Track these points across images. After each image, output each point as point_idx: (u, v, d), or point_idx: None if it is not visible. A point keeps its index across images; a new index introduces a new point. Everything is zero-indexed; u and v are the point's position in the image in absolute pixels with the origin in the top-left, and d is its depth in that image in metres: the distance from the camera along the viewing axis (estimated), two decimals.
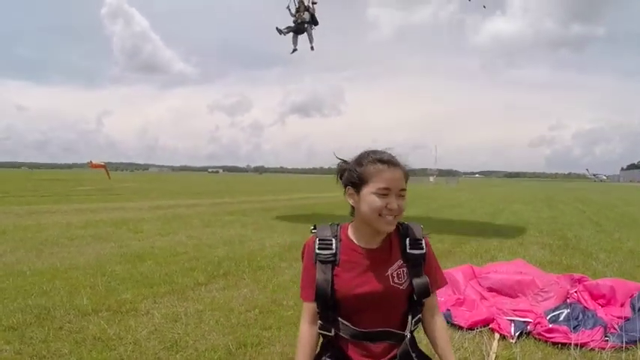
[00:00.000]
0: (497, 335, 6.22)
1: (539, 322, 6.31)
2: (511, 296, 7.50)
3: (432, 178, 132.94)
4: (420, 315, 2.66)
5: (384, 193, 2.42)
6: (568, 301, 7.10)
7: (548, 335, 6.04)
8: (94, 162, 75.29)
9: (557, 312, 6.59)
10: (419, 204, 33.03)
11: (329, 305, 2.55)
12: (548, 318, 6.42)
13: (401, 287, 2.53)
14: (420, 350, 2.72)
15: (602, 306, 6.93)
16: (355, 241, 2.61)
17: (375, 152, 2.56)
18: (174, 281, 8.59)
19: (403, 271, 2.56)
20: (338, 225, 2.71)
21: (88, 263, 10.12)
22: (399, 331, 2.57)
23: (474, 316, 6.61)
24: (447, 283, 2.93)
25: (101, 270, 9.39)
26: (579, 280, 7.77)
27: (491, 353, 5.64)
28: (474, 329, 6.38)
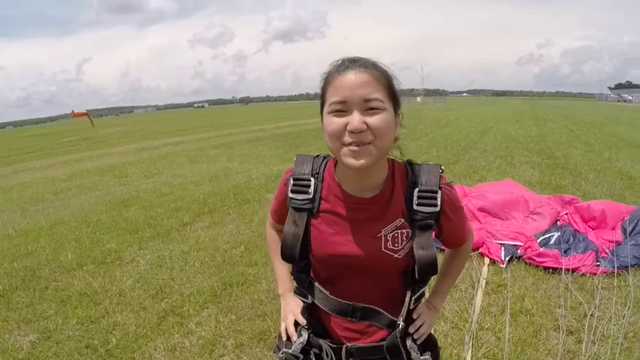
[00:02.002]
0: (487, 260, 6.18)
1: (529, 246, 6.25)
2: (501, 218, 7.46)
3: (419, 98, 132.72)
4: (421, 292, 1.93)
5: (339, 109, 1.62)
6: (558, 223, 7.04)
7: (538, 260, 5.99)
8: (76, 111, 74.68)
9: (548, 235, 6.53)
10: (406, 124, 32.83)
11: (301, 267, 1.92)
12: (538, 241, 6.36)
13: (395, 255, 1.78)
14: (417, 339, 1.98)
15: (592, 229, 6.84)
16: (342, 185, 1.84)
17: (338, 60, 1.73)
18: (159, 224, 8.52)
19: (402, 233, 1.79)
20: (325, 158, 1.96)
21: (73, 216, 10.03)
22: (388, 315, 1.88)
23: None
24: (466, 240, 2.05)
25: (86, 221, 9.31)
26: (570, 202, 7.70)
27: (481, 279, 5.60)
28: None
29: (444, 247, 2.16)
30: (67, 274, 6.57)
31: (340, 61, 1.69)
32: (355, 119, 1.57)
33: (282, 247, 1.86)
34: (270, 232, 2.29)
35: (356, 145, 1.59)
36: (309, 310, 2.01)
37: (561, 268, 5.73)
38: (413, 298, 1.87)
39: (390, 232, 1.77)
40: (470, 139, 21.63)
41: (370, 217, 1.79)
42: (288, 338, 2.04)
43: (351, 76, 1.61)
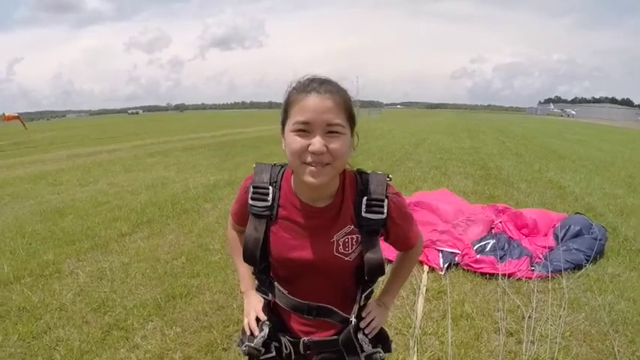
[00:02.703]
0: (426, 268, 6.35)
1: (466, 254, 6.51)
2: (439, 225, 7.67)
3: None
4: (370, 290, 2.13)
5: (302, 129, 1.74)
6: (493, 231, 7.33)
7: (476, 266, 6.25)
8: (6, 114, 72.86)
9: (484, 242, 6.81)
10: None
11: (261, 268, 2.08)
12: (475, 249, 6.63)
13: (346, 258, 1.95)
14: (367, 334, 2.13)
15: (526, 236, 7.16)
16: (297, 194, 1.98)
17: (303, 78, 1.86)
18: (97, 235, 8.37)
19: (352, 238, 1.96)
20: (282, 167, 2.07)
21: (7, 226, 9.74)
22: (341, 313, 2.05)
23: None
24: (416, 243, 2.24)
25: (20, 231, 9.05)
26: (503, 211, 8.07)
27: (421, 286, 5.76)
28: None
29: None
30: (4, 287, 6.38)
31: (308, 81, 1.80)
32: (317, 142, 1.71)
33: (243, 250, 2.02)
34: (231, 232, 2.39)
35: (315, 165, 1.73)
36: (270, 307, 2.17)
37: (498, 274, 5.98)
38: (363, 296, 2.07)
39: (342, 238, 1.94)
40: (405, 150, 22.00)
41: (323, 224, 1.95)
42: (251, 333, 2.17)
43: (317, 100, 1.73)
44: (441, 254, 6.51)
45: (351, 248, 1.96)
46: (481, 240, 6.93)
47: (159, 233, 8.35)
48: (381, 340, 2.22)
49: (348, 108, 1.82)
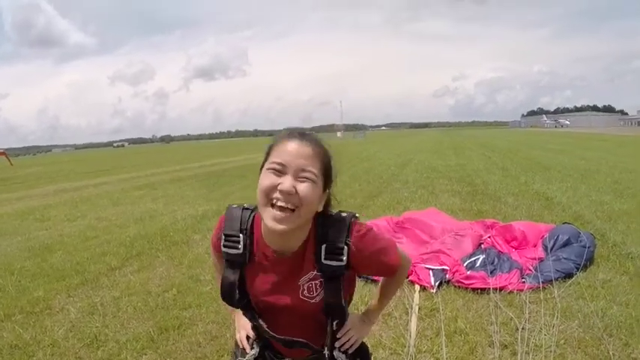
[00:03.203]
0: (417, 287, 6.37)
1: (457, 270, 6.53)
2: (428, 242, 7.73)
3: (339, 134, 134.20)
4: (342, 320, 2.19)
5: (277, 168, 1.82)
6: (482, 246, 7.37)
7: (467, 282, 6.28)
8: None
9: (474, 258, 6.87)
10: None
11: (243, 304, 2.16)
12: (465, 265, 6.66)
13: (312, 301, 2.02)
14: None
15: (515, 249, 7.22)
16: (267, 241, 2.02)
17: (291, 128, 2.01)
18: (86, 270, 8.33)
19: (316, 283, 2.02)
20: (252, 212, 2.08)
21: None
22: (314, 346, 2.15)
23: None
24: (397, 270, 2.18)
25: (9, 269, 9.01)
26: (491, 226, 8.12)
27: (414, 305, 5.76)
28: None
29: None
30: None
31: (291, 131, 1.95)
32: (287, 181, 1.80)
33: (221, 291, 2.11)
34: (214, 256, 2.39)
35: (281, 210, 1.80)
36: (256, 330, 2.25)
37: (489, 288, 5.99)
38: (334, 327, 2.14)
39: (306, 283, 2.01)
40: (391, 171, 22.16)
41: (290, 270, 2.02)
42: (243, 349, 2.31)
43: (296, 145, 1.86)
44: (431, 272, 6.53)
45: (316, 292, 2.02)
46: (471, 256, 6.97)
47: (149, 266, 8.31)
48: (361, 354, 2.32)
49: (324, 161, 1.94)
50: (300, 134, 1.92)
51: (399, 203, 12.90)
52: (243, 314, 2.26)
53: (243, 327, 2.38)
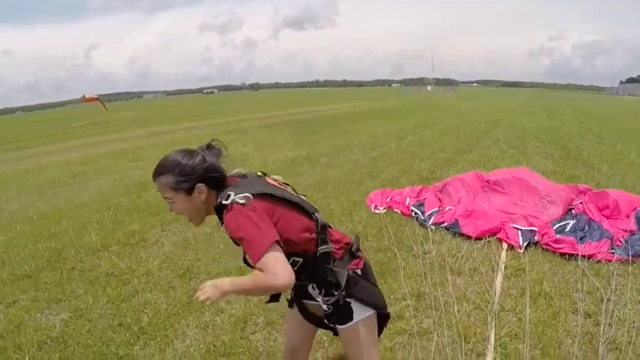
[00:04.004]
0: (505, 245, 6.29)
1: (546, 233, 6.37)
2: (509, 194, 7.76)
3: (429, 87, 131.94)
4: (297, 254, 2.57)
5: None
6: (573, 212, 7.12)
7: (555, 246, 6.10)
8: (87, 96, 74.37)
9: (564, 223, 6.67)
10: (419, 113, 33.22)
11: None
12: (554, 228, 6.48)
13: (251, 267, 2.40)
14: (324, 280, 2.64)
15: (606, 217, 6.91)
16: None
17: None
18: None
19: None
20: None
21: (92, 199, 10.15)
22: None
23: (482, 226, 6.68)
24: (256, 265, 2.33)
25: (106, 204, 9.44)
26: (584, 192, 7.79)
27: (500, 263, 5.72)
28: (482, 239, 6.45)
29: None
30: (93, 255, 6.69)
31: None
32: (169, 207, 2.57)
33: None
34: None
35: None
36: None
37: (577, 255, 5.82)
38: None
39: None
40: (482, 128, 21.58)
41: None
42: None
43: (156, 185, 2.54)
44: (520, 232, 6.41)
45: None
46: (561, 220, 6.79)
47: None
48: (325, 284, 2.64)
49: (170, 184, 2.47)
50: (153, 175, 2.51)
51: (489, 161, 12.69)
52: None
53: None
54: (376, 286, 2.88)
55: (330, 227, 2.72)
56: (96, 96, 70.69)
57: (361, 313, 2.68)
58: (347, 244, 2.72)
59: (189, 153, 2.53)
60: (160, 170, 2.48)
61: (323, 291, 2.64)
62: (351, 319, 2.68)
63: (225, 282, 2.40)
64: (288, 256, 2.38)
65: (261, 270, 2.26)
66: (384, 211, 7.90)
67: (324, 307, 2.67)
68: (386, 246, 6.34)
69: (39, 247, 7.22)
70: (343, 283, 2.59)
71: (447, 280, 5.26)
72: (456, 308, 4.68)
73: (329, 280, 2.60)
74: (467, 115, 30.77)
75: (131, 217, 8.37)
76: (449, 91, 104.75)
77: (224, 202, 2.36)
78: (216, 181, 2.53)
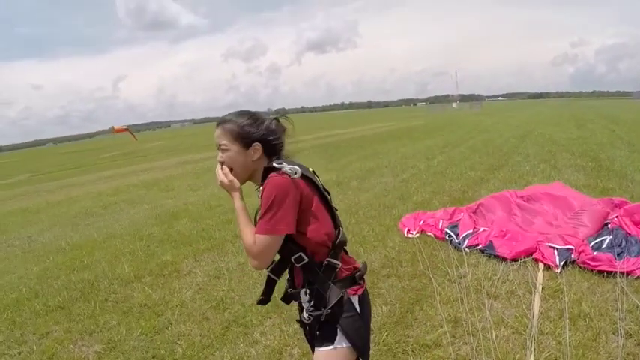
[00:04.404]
0: (541, 265, 6.16)
1: (582, 250, 6.21)
2: (542, 213, 7.60)
3: (455, 104, 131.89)
4: (296, 254, 2.63)
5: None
6: (609, 226, 6.96)
7: (592, 263, 5.93)
8: (116, 127, 75.39)
9: (600, 239, 6.51)
10: (446, 131, 32.95)
11: None
12: (590, 245, 6.33)
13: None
14: (322, 290, 2.66)
15: None
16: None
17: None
18: (211, 236, 8.60)
19: None
20: None
21: (125, 229, 10.22)
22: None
23: (517, 246, 6.56)
24: (258, 234, 2.50)
25: (138, 234, 9.48)
26: (619, 205, 7.62)
27: (537, 285, 5.59)
28: (517, 260, 6.32)
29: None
30: (126, 286, 6.71)
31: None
32: (218, 155, 2.64)
33: None
34: None
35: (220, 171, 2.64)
36: None
37: (616, 272, 5.67)
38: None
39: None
40: (511, 143, 21.33)
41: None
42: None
43: (215, 131, 2.64)
44: (556, 251, 6.25)
45: None
46: (597, 236, 6.63)
47: None
48: (317, 300, 2.63)
49: (232, 132, 2.60)
50: (217, 122, 2.68)
51: (521, 177, 12.39)
52: None
53: None
54: (369, 324, 2.84)
55: (345, 249, 2.78)
56: (125, 127, 71.59)
57: (342, 341, 2.65)
58: (355, 268, 2.75)
59: (259, 114, 2.73)
60: (228, 118, 2.64)
61: (312, 301, 2.65)
62: (331, 342, 2.65)
63: (238, 199, 2.65)
64: (297, 250, 2.55)
65: (253, 241, 2.45)
66: (417, 235, 7.80)
67: (305, 314, 2.69)
68: (421, 271, 6.24)
69: (72, 277, 7.28)
70: (333, 301, 2.61)
71: (484, 305, 5.16)
72: (494, 333, 4.58)
73: (321, 293, 2.63)
74: (494, 130, 30.63)
75: (163, 247, 8.38)
76: (475, 107, 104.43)
77: (276, 165, 2.50)
78: (273, 148, 2.70)
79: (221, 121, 2.64)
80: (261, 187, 2.54)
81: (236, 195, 2.61)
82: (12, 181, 30.49)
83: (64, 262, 8.17)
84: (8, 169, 50.83)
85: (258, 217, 2.50)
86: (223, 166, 2.61)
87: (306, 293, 2.65)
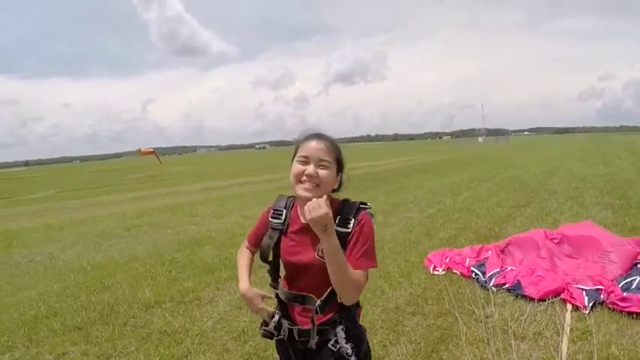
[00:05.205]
0: (569, 306, 6.03)
1: (612, 291, 6.08)
2: (575, 256, 7.44)
3: (480, 139, 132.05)
4: None
5: (303, 160, 2.55)
6: (639, 266, 6.80)
7: (622, 304, 5.81)
8: (143, 149, 76.21)
9: (630, 279, 6.38)
10: (472, 166, 32.81)
11: (272, 266, 2.81)
12: (620, 286, 6.21)
13: (323, 260, 2.47)
14: (353, 326, 2.70)
15: None
16: (300, 216, 2.70)
17: (308, 130, 2.75)
18: (234, 266, 8.41)
19: None
20: (294, 198, 2.81)
21: (147, 253, 10.18)
22: (315, 298, 2.63)
23: (545, 287, 6.44)
24: (370, 265, 2.55)
25: (161, 259, 9.43)
26: None
27: (565, 326, 5.46)
28: (545, 300, 6.20)
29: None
30: (146, 311, 6.64)
31: (311, 133, 2.67)
32: (313, 169, 2.51)
33: (260, 252, 2.80)
34: (242, 248, 3.14)
35: (310, 185, 2.51)
36: (278, 299, 2.81)
37: None
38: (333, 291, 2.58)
39: (322, 246, 2.44)
40: (538, 179, 21.26)
41: (312, 238, 2.55)
42: (264, 321, 2.81)
43: (319, 144, 2.57)
44: (584, 292, 6.13)
45: None
46: (627, 276, 6.50)
47: None
48: (357, 340, 2.66)
49: (336, 153, 2.62)
50: (317, 135, 2.64)
51: (548, 214, 12.33)
52: (271, 279, 2.83)
53: (255, 295, 2.82)
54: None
55: None
56: (152, 149, 72.29)
57: None
58: None
59: None
60: (331, 139, 2.67)
61: (345, 337, 2.64)
62: None
63: (333, 236, 2.37)
64: None
65: (357, 277, 2.45)
66: (443, 272, 7.68)
67: (349, 351, 2.60)
68: (446, 310, 6.12)
69: (92, 299, 7.25)
70: (363, 335, 2.76)
71: (511, 346, 5.04)
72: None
73: (352, 326, 2.70)
74: (521, 166, 30.60)
75: (185, 273, 8.32)
76: (500, 141, 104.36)
77: (363, 206, 2.64)
78: (340, 181, 2.72)
79: (320, 136, 2.63)
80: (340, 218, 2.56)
81: (331, 231, 2.36)
82: (37, 196, 30.86)
83: (85, 282, 8.16)
84: (35, 183, 51.57)
85: (354, 252, 2.51)
86: (321, 198, 2.39)
87: (342, 330, 2.64)
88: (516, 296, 6.38)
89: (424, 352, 5.01)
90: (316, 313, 2.61)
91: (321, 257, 2.52)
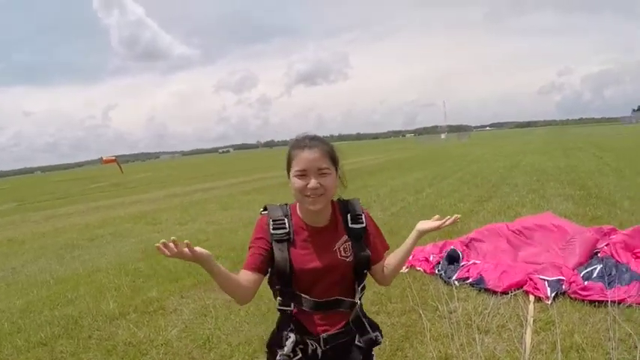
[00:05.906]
0: (532, 297, 6.12)
1: (573, 281, 6.18)
2: (535, 244, 7.64)
3: (443, 135, 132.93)
4: (364, 282, 2.73)
5: (301, 174, 2.48)
6: (599, 255, 6.95)
7: (583, 293, 5.92)
8: (105, 158, 75.64)
9: (590, 268, 6.49)
10: (435, 163, 33.12)
11: (287, 281, 2.59)
12: (581, 275, 6.31)
13: (347, 260, 2.61)
14: (369, 317, 2.79)
15: (636, 258, 6.72)
16: (304, 220, 2.65)
17: (298, 136, 2.66)
18: (199, 272, 8.43)
19: (348, 244, 2.63)
20: (287, 205, 2.74)
21: (111, 264, 10.09)
22: (349, 299, 2.66)
23: (508, 279, 6.53)
24: (388, 247, 2.82)
25: (124, 269, 9.36)
26: (608, 233, 7.62)
27: (528, 317, 5.54)
28: (508, 293, 6.29)
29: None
30: (110, 323, 6.57)
31: (304, 139, 2.57)
32: (315, 182, 2.44)
33: (277, 268, 2.54)
34: (253, 246, 2.66)
35: (313, 197, 2.46)
36: (292, 317, 2.64)
37: (607, 301, 5.65)
38: (359, 287, 2.68)
39: (341, 245, 2.60)
40: (499, 174, 21.57)
41: (328, 239, 2.61)
42: (280, 345, 2.63)
43: (313, 154, 2.47)
44: (546, 283, 6.22)
45: (349, 252, 2.60)
46: (587, 265, 6.62)
47: None
48: (376, 327, 2.77)
49: (330, 153, 2.55)
50: (307, 140, 2.54)
51: (510, 208, 12.56)
52: (283, 298, 2.63)
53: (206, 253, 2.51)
54: None
55: None
56: (114, 157, 71.76)
57: None
58: None
59: None
60: (322, 140, 2.61)
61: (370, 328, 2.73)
62: None
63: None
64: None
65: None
66: (407, 270, 7.71)
67: (379, 338, 2.75)
68: (410, 307, 6.17)
69: (55, 313, 7.16)
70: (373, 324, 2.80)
71: (475, 340, 5.09)
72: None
73: (363, 317, 2.75)
74: (483, 161, 31.03)
75: (149, 283, 8.26)
76: (463, 138, 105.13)
77: (360, 210, 2.71)
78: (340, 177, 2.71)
79: (311, 143, 2.53)
80: (349, 216, 2.65)
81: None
82: None
83: (48, 297, 8.05)
84: None
85: (378, 242, 2.71)
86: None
87: (367, 322, 2.73)
88: (479, 290, 6.46)
89: (389, 350, 5.04)
90: (350, 308, 2.65)
91: (343, 257, 2.59)
